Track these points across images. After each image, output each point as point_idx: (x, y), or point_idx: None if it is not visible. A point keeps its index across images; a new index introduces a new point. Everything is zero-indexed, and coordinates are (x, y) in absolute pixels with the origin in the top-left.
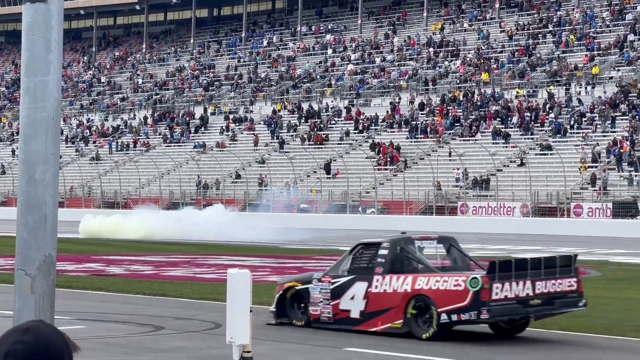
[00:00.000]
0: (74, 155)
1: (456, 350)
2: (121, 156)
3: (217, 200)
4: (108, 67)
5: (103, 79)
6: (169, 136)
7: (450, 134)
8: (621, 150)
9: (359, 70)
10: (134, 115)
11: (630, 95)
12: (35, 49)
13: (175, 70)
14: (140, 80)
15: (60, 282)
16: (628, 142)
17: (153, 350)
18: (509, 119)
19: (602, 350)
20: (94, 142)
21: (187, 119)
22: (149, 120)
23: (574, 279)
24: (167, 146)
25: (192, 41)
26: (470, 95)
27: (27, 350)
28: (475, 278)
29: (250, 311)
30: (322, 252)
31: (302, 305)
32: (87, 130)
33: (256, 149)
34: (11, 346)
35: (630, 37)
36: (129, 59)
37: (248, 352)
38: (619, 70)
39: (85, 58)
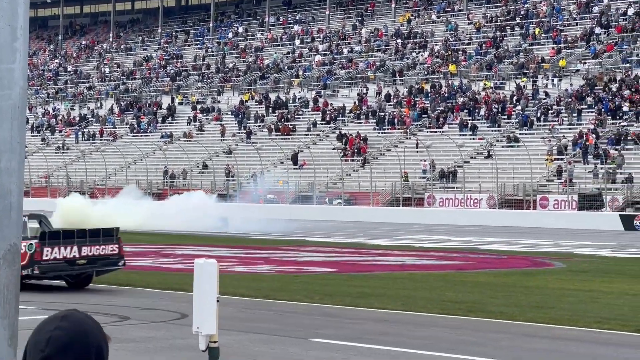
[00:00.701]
0: (39, 145)
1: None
2: (87, 146)
3: (183, 191)
4: (75, 55)
5: (69, 68)
6: (136, 126)
7: (417, 125)
8: (587, 143)
9: (326, 61)
10: (101, 104)
11: (596, 88)
12: (0, 37)
13: (142, 59)
14: (107, 70)
15: None
16: (594, 135)
17: (119, 341)
18: (476, 110)
19: (567, 342)
20: (60, 132)
21: (154, 108)
22: (116, 110)
23: (116, 245)
24: (134, 136)
25: (159, 31)
26: (437, 86)
27: (67, 335)
28: (31, 243)
29: (217, 301)
30: (288, 243)
31: None
32: (53, 119)
33: (223, 139)
34: (52, 332)
35: (597, 30)
36: (95, 47)
37: (214, 342)
38: (585, 63)
39: (52, 46)
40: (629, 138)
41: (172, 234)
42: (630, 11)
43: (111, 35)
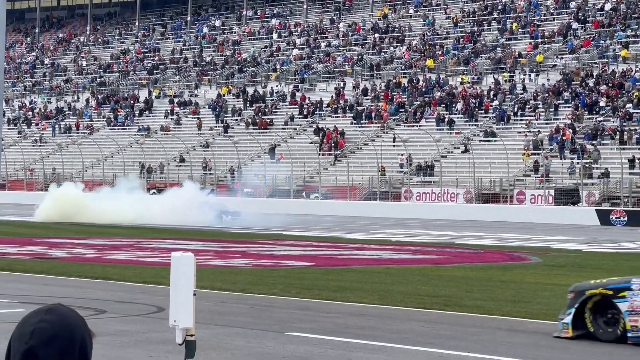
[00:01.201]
0: (16, 137)
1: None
2: (64, 139)
3: (162, 184)
4: (52, 48)
5: (46, 61)
6: (112, 119)
7: (394, 119)
8: (564, 138)
9: (304, 55)
10: (78, 97)
11: (573, 83)
12: None
13: (119, 53)
14: (84, 63)
15: (1, 265)
16: (570, 130)
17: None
18: (454, 105)
19: (543, 336)
20: (37, 125)
21: (132, 102)
22: (93, 103)
23: None
24: (111, 129)
25: (137, 24)
26: (415, 81)
27: (52, 328)
28: None
29: (194, 295)
30: (265, 237)
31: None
32: (30, 112)
33: (200, 133)
34: (37, 325)
35: (574, 25)
36: (72, 40)
37: (191, 335)
38: (562, 58)
39: (29, 39)
40: (605, 133)
41: (149, 227)
42: (607, 6)
43: (88, 28)
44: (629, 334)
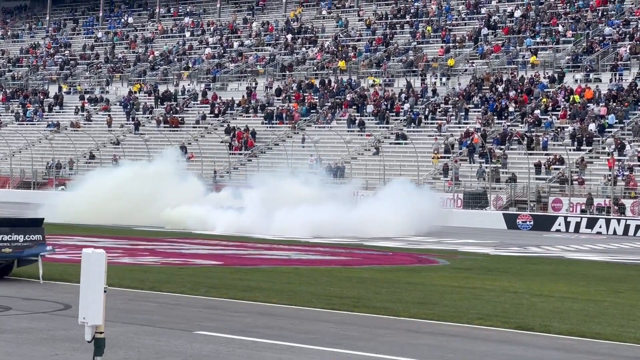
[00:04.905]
0: None
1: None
2: None
3: (70, 181)
4: None
5: None
6: (21, 114)
7: (305, 120)
8: (473, 142)
9: (216, 54)
10: None
11: (483, 88)
12: None
13: (29, 47)
14: None
15: None
16: (479, 134)
17: None
18: (365, 107)
19: (449, 337)
20: None
21: (41, 97)
22: (0, 97)
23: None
24: (19, 124)
25: (47, 18)
26: (326, 82)
27: None
28: None
29: (105, 292)
30: (173, 235)
31: None
32: None
33: (111, 130)
34: None
35: (485, 30)
36: None
37: (100, 332)
38: (472, 63)
39: None
40: (513, 138)
41: (56, 224)
42: (517, 13)
43: None
44: None
